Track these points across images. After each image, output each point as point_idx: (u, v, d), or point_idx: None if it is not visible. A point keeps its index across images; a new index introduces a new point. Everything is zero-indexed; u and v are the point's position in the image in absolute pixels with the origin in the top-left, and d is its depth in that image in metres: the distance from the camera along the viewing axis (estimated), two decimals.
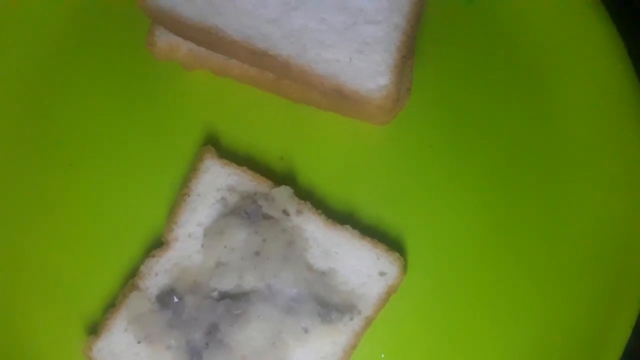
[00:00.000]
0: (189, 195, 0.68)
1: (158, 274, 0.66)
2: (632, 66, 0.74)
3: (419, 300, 0.70)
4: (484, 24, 0.76)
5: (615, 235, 0.71)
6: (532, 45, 0.76)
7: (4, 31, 0.75)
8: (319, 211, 0.67)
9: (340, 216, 0.70)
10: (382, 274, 0.66)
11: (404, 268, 0.67)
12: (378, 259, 0.66)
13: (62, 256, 0.70)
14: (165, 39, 0.72)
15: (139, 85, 0.74)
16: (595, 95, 0.74)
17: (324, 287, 0.65)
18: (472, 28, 0.76)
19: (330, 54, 0.68)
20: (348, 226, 0.67)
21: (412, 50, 0.73)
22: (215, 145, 0.71)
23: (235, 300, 0.65)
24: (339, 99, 0.69)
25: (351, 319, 0.65)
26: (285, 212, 0.67)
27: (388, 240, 0.69)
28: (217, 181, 0.68)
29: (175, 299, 0.65)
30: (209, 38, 0.69)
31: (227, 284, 0.65)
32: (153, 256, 0.67)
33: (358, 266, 0.66)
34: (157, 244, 0.68)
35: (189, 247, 0.67)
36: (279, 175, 0.71)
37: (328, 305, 0.65)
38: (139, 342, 0.65)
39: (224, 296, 0.65)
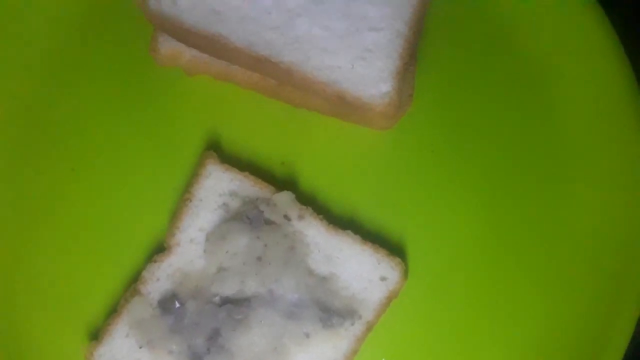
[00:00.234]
0: (191, 201, 0.68)
1: (160, 279, 0.66)
2: (631, 67, 0.74)
3: (420, 305, 0.70)
4: (485, 31, 0.76)
5: (615, 235, 0.71)
6: (533, 51, 0.76)
7: (8, 37, 0.75)
8: (321, 216, 0.67)
9: (341, 221, 0.70)
10: (383, 279, 0.66)
11: (405, 273, 0.67)
12: (379, 264, 0.66)
13: (64, 261, 0.70)
14: (168, 46, 0.72)
15: (142, 91, 0.74)
16: (595, 98, 0.74)
17: (325, 292, 0.65)
18: (473, 34, 0.76)
19: (333, 61, 0.69)
20: (349, 231, 0.67)
21: (414, 56, 0.73)
22: (217, 150, 0.71)
23: (236, 306, 0.64)
24: (341, 105, 0.70)
25: (352, 324, 0.65)
26: (286, 217, 0.67)
27: (389, 246, 0.69)
28: (219, 186, 0.68)
29: (177, 304, 0.65)
30: (212, 45, 0.69)
31: (229, 289, 0.65)
32: (155, 261, 0.67)
33: (359, 271, 0.66)
34: (159, 249, 0.68)
35: (190, 252, 0.67)
36: (280, 181, 0.72)
37: (329, 310, 0.65)
38: (140, 348, 0.65)
39: (226, 301, 0.65)
